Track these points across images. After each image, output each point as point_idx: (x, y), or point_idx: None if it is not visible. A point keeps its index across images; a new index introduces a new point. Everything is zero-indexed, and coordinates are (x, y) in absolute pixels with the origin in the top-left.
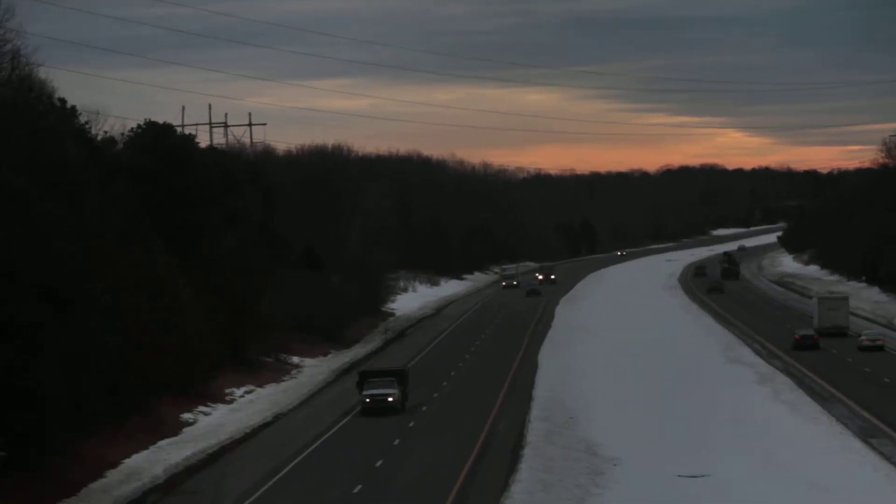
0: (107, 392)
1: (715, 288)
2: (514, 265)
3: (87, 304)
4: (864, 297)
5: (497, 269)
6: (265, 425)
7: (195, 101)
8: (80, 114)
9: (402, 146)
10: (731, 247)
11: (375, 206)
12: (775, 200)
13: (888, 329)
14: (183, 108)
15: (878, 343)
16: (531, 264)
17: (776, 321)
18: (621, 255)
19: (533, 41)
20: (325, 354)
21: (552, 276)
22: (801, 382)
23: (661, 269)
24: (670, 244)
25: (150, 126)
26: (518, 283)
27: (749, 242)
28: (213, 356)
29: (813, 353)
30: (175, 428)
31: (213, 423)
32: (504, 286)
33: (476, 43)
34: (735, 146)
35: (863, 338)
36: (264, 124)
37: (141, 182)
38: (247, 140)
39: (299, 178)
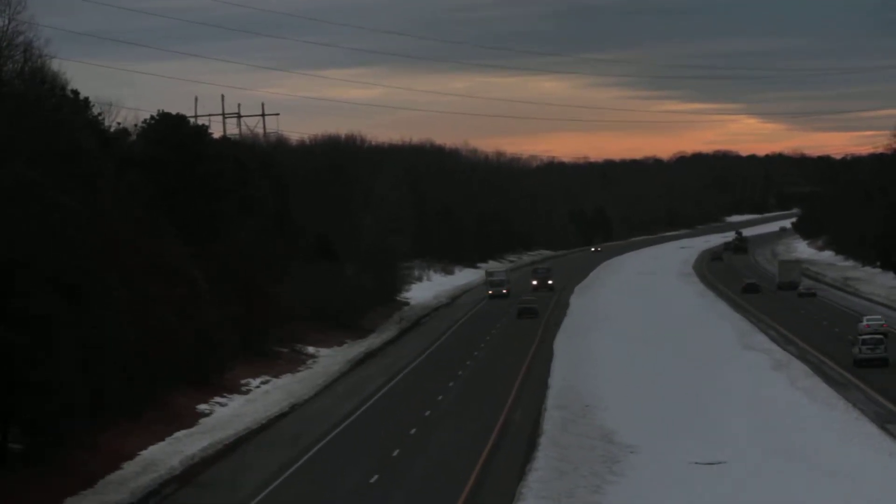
0: (123, 383)
1: (715, 257)
2: (503, 268)
3: (103, 296)
4: (879, 283)
5: (497, 266)
6: (281, 416)
7: (208, 91)
8: (93, 105)
9: (416, 135)
10: (746, 233)
11: (389, 196)
12: (789, 186)
13: None
14: (196, 99)
15: (812, 291)
16: (546, 252)
17: (788, 306)
18: (596, 250)
19: (546, 29)
20: (340, 344)
21: (549, 282)
22: (818, 369)
23: (676, 256)
24: (684, 231)
25: (164, 117)
26: (509, 290)
27: (762, 229)
28: (229, 347)
29: (756, 295)
30: (191, 419)
31: (230, 414)
32: (490, 295)
33: (489, 31)
34: (748, 132)
35: (801, 288)
36: (277, 114)
37: (154, 173)
38: (260, 130)
39: (313, 167)
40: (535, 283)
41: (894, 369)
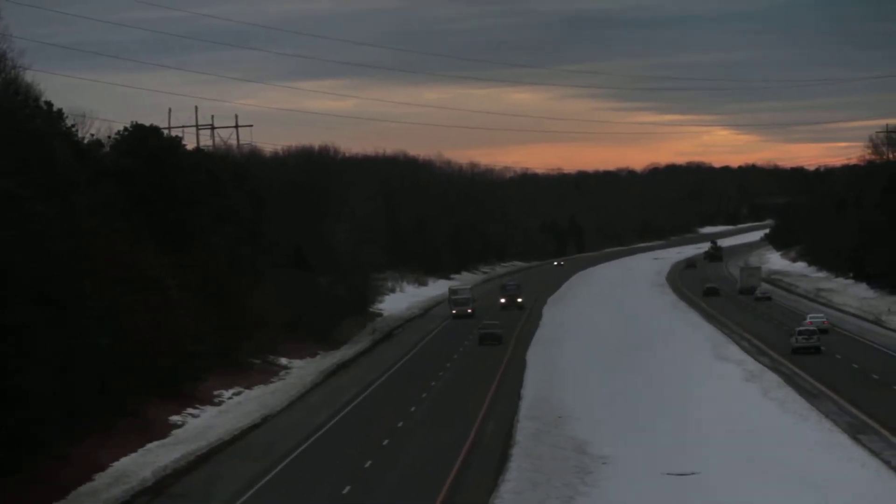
0: (96, 393)
1: (689, 265)
2: (468, 285)
3: (78, 305)
4: (852, 294)
5: (461, 283)
6: (254, 427)
7: (182, 103)
8: (67, 117)
9: (389, 147)
10: (722, 244)
11: (362, 207)
12: (762, 197)
13: (875, 324)
14: (170, 111)
15: (767, 295)
16: (519, 263)
17: (757, 314)
18: (558, 264)
19: (521, 41)
20: (313, 355)
21: (519, 300)
22: (790, 380)
23: (649, 267)
24: (658, 242)
25: (137, 128)
26: (474, 309)
27: (736, 240)
28: (203, 357)
29: (716, 298)
30: (164, 430)
31: (202, 426)
32: (454, 315)
33: (463, 43)
34: (722, 144)
35: (757, 292)
36: (251, 126)
37: (128, 184)
38: (233, 142)
39: (286, 179)
40: (503, 300)
41: (824, 356)
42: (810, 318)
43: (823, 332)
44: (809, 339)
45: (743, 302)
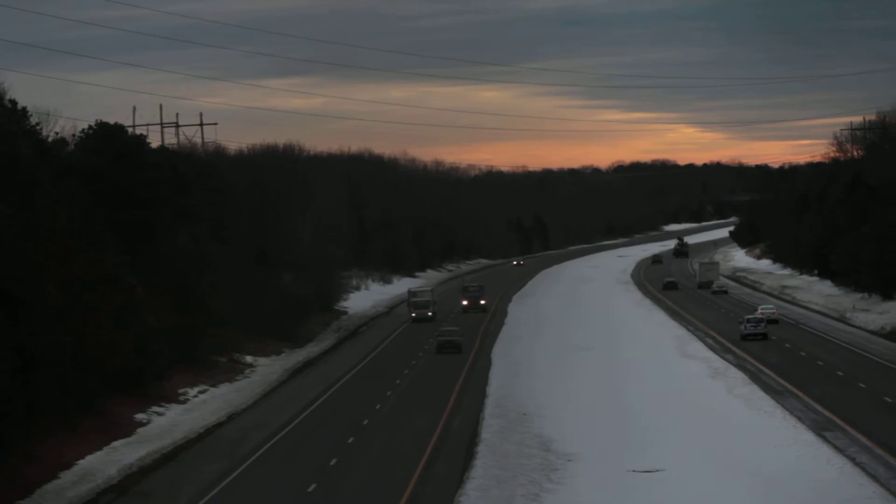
0: (60, 392)
1: (656, 261)
2: (428, 287)
3: (39, 304)
4: (817, 291)
5: (420, 283)
6: (219, 425)
7: (147, 101)
8: (31, 115)
9: (355, 145)
10: (689, 241)
11: (327, 205)
12: (727, 195)
13: (840, 322)
14: (134, 109)
15: (724, 289)
16: (484, 261)
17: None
18: (517, 264)
19: (487, 38)
20: (278, 353)
21: (482, 302)
22: (756, 377)
23: (614, 265)
24: (622, 240)
25: (101, 127)
26: (435, 312)
27: (702, 238)
28: (167, 356)
29: (675, 291)
30: (129, 428)
31: (167, 424)
32: (414, 318)
33: (429, 41)
34: (687, 142)
35: (714, 286)
36: (215, 124)
37: (92, 182)
38: (198, 140)
39: (251, 177)
40: (465, 302)
41: (770, 343)
42: (761, 309)
43: (773, 322)
44: (757, 327)
45: (701, 295)
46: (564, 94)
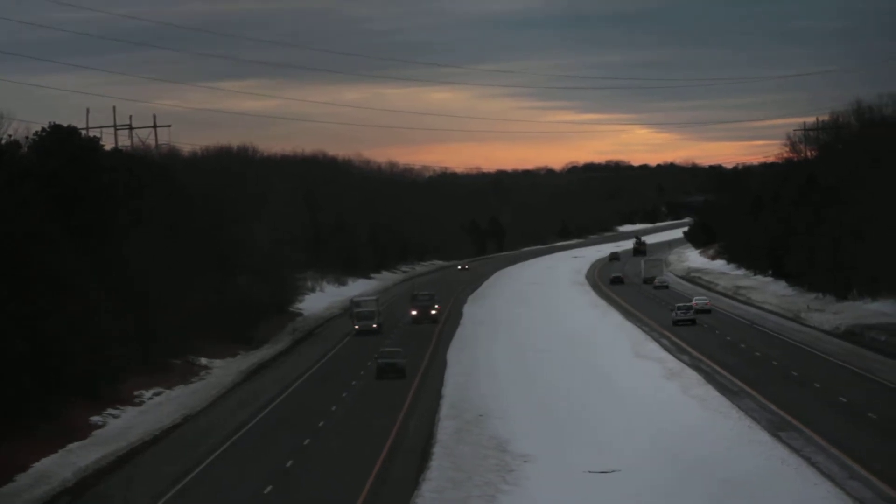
0: (15, 396)
1: (613, 258)
2: (374, 296)
3: None
4: (771, 292)
5: (364, 291)
6: (174, 427)
7: (102, 104)
8: None
9: (309, 146)
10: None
11: (282, 207)
12: (681, 196)
13: (794, 322)
14: (87, 111)
15: (665, 284)
16: (439, 262)
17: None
18: (462, 268)
19: (440, 40)
20: (233, 355)
21: (433, 312)
22: (711, 378)
23: (569, 265)
24: (577, 241)
25: (55, 129)
26: (380, 324)
27: (657, 238)
28: (122, 358)
29: (621, 286)
30: (84, 431)
31: (122, 426)
32: (357, 331)
33: (383, 43)
34: (640, 142)
35: (656, 281)
36: (169, 126)
37: (47, 185)
38: (152, 142)
39: (205, 179)
40: (414, 312)
41: (699, 328)
42: (696, 300)
43: (706, 311)
44: (686, 314)
45: (645, 290)
46: (517, 96)
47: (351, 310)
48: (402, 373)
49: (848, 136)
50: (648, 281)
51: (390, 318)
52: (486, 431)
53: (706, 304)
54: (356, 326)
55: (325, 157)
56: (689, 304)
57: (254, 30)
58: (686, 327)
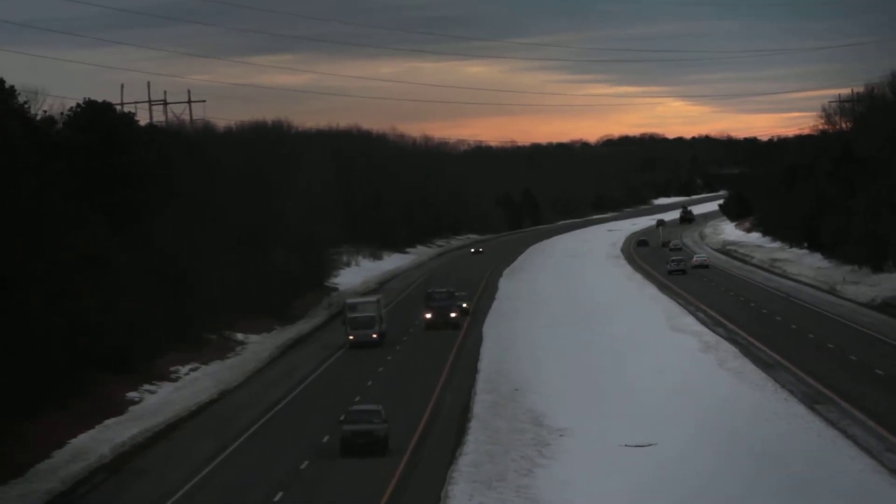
0: (51, 372)
1: (660, 223)
2: (374, 298)
3: (29, 285)
4: (807, 264)
5: (363, 295)
6: (211, 402)
7: (136, 79)
8: (19, 94)
9: (344, 121)
10: (675, 214)
11: (316, 181)
12: (716, 168)
13: (830, 294)
14: (122, 87)
15: (678, 246)
16: (474, 237)
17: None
18: (475, 252)
19: (474, 14)
20: (269, 330)
21: (453, 315)
22: (747, 351)
23: (604, 239)
24: (612, 214)
25: (89, 105)
26: (382, 333)
27: (694, 210)
28: (157, 334)
29: (646, 248)
30: (121, 407)
31: (159, 402)
32: (351, 342)
33: (417, 17)
34: (675, 115)
35: (670, 243)
36: (204, 101)
37: (81, 161)
38: (186, 117)
39: (240, 154)
40: (428, 315)
41: (690, 276)
42: (696, 257)
43: (704, 266)
44: (679, 265)
45: (662, 251)
46: (552, 69)
47: (344, 315)
48: (380, 444)
49: (883, 108)
50: (665, 244)
51: (407, 317)
52: (522, 405)
53: (705, 259)
54: (350, 337)
55: (359, 131)
56: (679, 257)
57: (289, 4)
58: (723, 301)
